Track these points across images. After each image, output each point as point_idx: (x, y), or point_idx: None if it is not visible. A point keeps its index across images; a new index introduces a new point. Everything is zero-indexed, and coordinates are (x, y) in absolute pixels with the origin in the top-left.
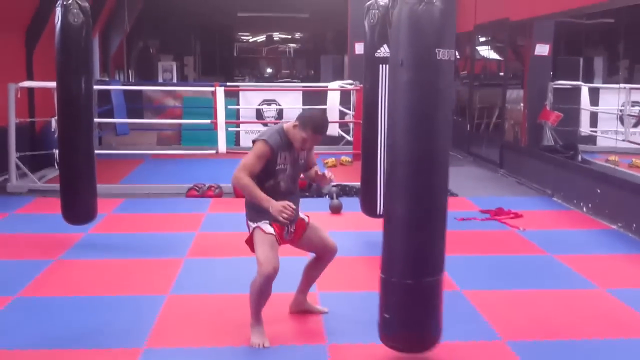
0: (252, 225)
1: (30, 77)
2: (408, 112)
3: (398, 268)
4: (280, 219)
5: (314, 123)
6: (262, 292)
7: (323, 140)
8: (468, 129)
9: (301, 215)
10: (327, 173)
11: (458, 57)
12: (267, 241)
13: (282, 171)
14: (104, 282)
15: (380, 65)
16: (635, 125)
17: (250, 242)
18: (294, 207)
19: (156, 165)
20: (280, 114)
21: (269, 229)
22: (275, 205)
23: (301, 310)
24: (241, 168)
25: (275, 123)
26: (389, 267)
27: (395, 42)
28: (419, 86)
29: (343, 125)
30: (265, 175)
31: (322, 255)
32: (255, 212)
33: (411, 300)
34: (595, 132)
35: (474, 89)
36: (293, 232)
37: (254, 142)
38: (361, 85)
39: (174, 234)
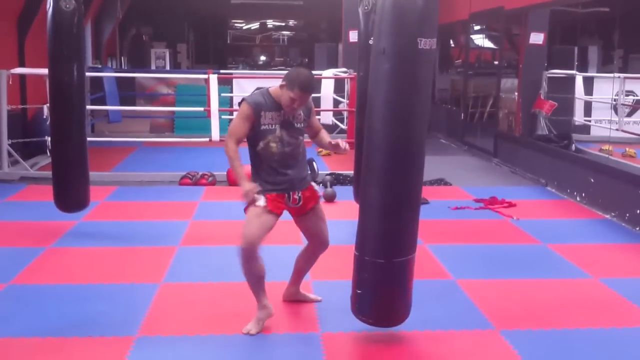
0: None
1: (22, 64)
2: (386, 100)
3: (371, 247)
4: (249, 200)
5: (300, 81)
6: (248, 269)
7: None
8: (462, 118)
9: (315, 187)
10: (342, 143)
11: (452, 45)
12: (253, 214)
13: (269, 132)
14: (96, 270)
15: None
16: (629, 115)
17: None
18: (256, 195)
19: (149, 153)
20: None
21: (261, 202)
22: (244, 187)
23: (294, 300)
24: (228, 136)
25: None
26: (363, 246)
27: (378, 30)
28: (399, 75)
29: (337, 114)
30: (254, 137)
31: (313, 245)
32: (257, 177)
33: (382, 278)
34: (589, 121)
35: (468, 78)
36: (299, 199)
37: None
38: (355, 73)
39: (167, 222)
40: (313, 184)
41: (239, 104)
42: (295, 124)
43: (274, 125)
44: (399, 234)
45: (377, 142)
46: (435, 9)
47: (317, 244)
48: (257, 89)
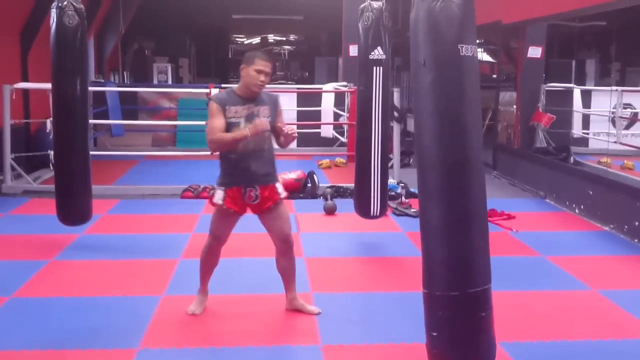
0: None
1: (25, 79)
2: (435, 113)
3: (439, 279)
4: (260, 129)
5: (257, 54)
6: (204, 259)
7: (318, 141)
8: None
9: (278, 188)
10: (288, 130)
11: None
12: (217, 213)
13: (234, 125)
14: (98, 283)
15: (374, 67)
16: (627, 128)
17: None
18: (266, 122)
19: (151, 167)
20: None
21: (218, 200)
22: (250, 127)
23: (293, 308)
24: (208, 134)
25: None
26: (431, 280)
27: (415, 44)
28: (444, 85)
29: (337, 127)
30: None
31: (275, 243)
32: (221, 171)
33: (457, 314)
34: (588, 134)
35: None
36: (256, 197)
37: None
38: (355, 87)
39: (169, 235)
40: (277, 185)
41: (207, 104)
42: (259, 116)
43: (238, 119)
44: (470, 260)
45: (431, 160)
46: (472, 14)
47: (276, 240)
48: None
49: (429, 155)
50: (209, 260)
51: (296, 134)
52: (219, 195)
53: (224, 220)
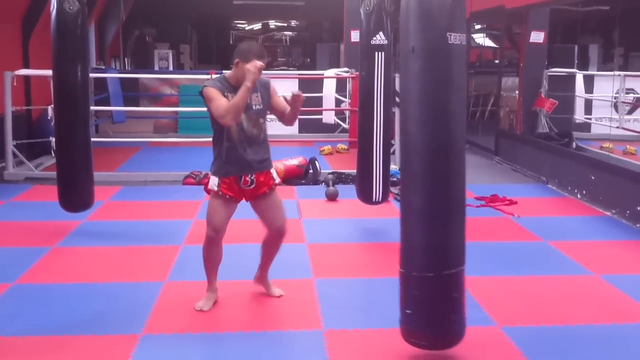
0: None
1: (26, 65)
2: (421, 100)
3: (417, 261)
4: (256, 67)
5: (254, 50)
6: (207, 254)
7: (320, 127)
8: None
9: (273, 174)
10: (293, 92)
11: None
12: (212, 200)
13: None
14: (101, 269)
15: (376, 53)
16: (629, 113)
17: (206, 187)
18: (255, 64)
19: (153, 153)
20: None
21: (213, 186)
22: (247, 70)
23: (260, 284)
24: (218, 110)
25: None
26: (408, 261)
27: (405, 30)
28: (431, 73)
29: (339, 113)
30: (219, 126)
31: (267, 232)
32: (214, 160)
33: (432, 294)
34: (590, 119)
35: (469, 77)
36: (251, 182)
37: (201, 92)
38: (357, 73)
39: (171, 222)
40: (272, 171)
41: (200, 93)
42: (254, 106)
43: None
44: (447, 243)
45: (415, 145)
46: (462, 3)
47: (269, 230)
48: None
49: (413, 140)
50: (212, 255)
51: (302, 95)
52: (213, 181)
53: (221, 208)
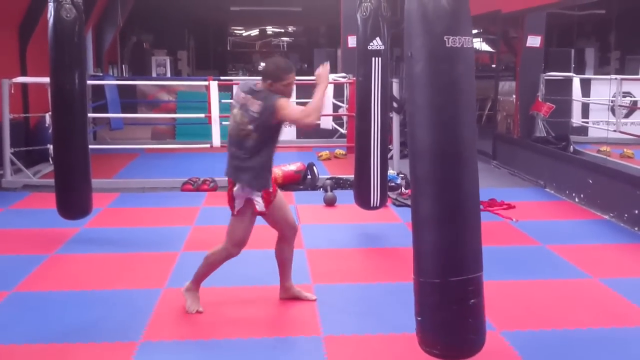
0: (247, 194)
1: (23, 73)
2: (423, 104)
3: (426, 267)
4: (325, 78)
5: (285, 67)
6: (215, 264)
7: (317, 133)
8: None
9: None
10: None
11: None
12: (244, 219)
13: (230, 109)
14: (99, 277)
15: (373, 58)
16: (626, 116)
17: (231, 203)
18: (255, 199)
19: (151, 160)
20: None
21: (261, 205)
22: (320, 74)
23: (291, 296)
24: (300, 114)
25: None
26: (418, 267)
27: (408, 36)
28: (430, 76)
29: (337, 119)
30: (274, 131)
31: (282, 233)
32: (259, 178)
33: (440, 301)
34: (587, 123)
35: None
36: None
37: (274, 104)
38: (354, 78)
39: (170, 228)
40: None
41: (275, 104)
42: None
43: (235, 105)
44: (455, 249)
45: (421, 150)
46: (464, 6)
47: (285, 229)
48: None
49: (420, 145)
50: (218, 266)
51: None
52: (259, 203)
53: (250, 226)
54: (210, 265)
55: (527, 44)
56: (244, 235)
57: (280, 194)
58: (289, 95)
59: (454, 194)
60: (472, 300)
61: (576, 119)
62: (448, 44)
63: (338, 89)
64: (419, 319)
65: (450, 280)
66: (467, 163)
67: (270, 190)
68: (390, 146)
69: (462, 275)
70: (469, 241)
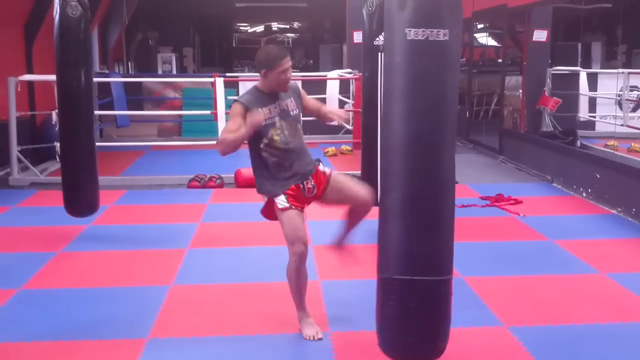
0: (264, 197)
1: (30, 71)
2: (388, 96)
3: (393, 264)
4: (255, 121)
5: (274, 54)
6: (299, 274)
7: (323, 129)
8: (467, 116)
9: (320, 168)
10: (337, 114)
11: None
12: (287, 217)
13: (270, 125)
14: (107, 274)
15: (379, 54)
16: (633, 110)
17: (266, 212)
18: (261, 113)
19: (157, 157)
20: None
21: (283, 202)
22: (248, 120)
23: (335, 249)
24: (223, 131)
25: None
26: (384, 264)
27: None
28: (391, 70)
29: None
30: (256, 137)
31: (354, 208)
32: (265, 180)
33: (407, 300)
34: (594, 117)
35: (472, 76)
36: (313, 188)
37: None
38: (360, 74)
39: (177, 225)
40: (320, 165)
41: (230, 106)
42: (291, 112)
43: (273, 119)
44: (425, 249)
45: (391, 140)
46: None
47: (357, 205)
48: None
49: (393, 136)
50: (303, 274)
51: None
52: (281, 199)
53: (299, 219)
54: (291, 281)
55: (534, 39)
56: (296, 231)
57: (335, 180)
58: (286, 82)
59: (425, 187)
60: (438, 302)
61: (583, 114)
62: (409, 36)
63: (344, 85)
64: (384, 316)
65: (416, 280)
66: (438, 154)
67: (299, 189)
68: None
69: (431, 275)
70: (439, 242)
